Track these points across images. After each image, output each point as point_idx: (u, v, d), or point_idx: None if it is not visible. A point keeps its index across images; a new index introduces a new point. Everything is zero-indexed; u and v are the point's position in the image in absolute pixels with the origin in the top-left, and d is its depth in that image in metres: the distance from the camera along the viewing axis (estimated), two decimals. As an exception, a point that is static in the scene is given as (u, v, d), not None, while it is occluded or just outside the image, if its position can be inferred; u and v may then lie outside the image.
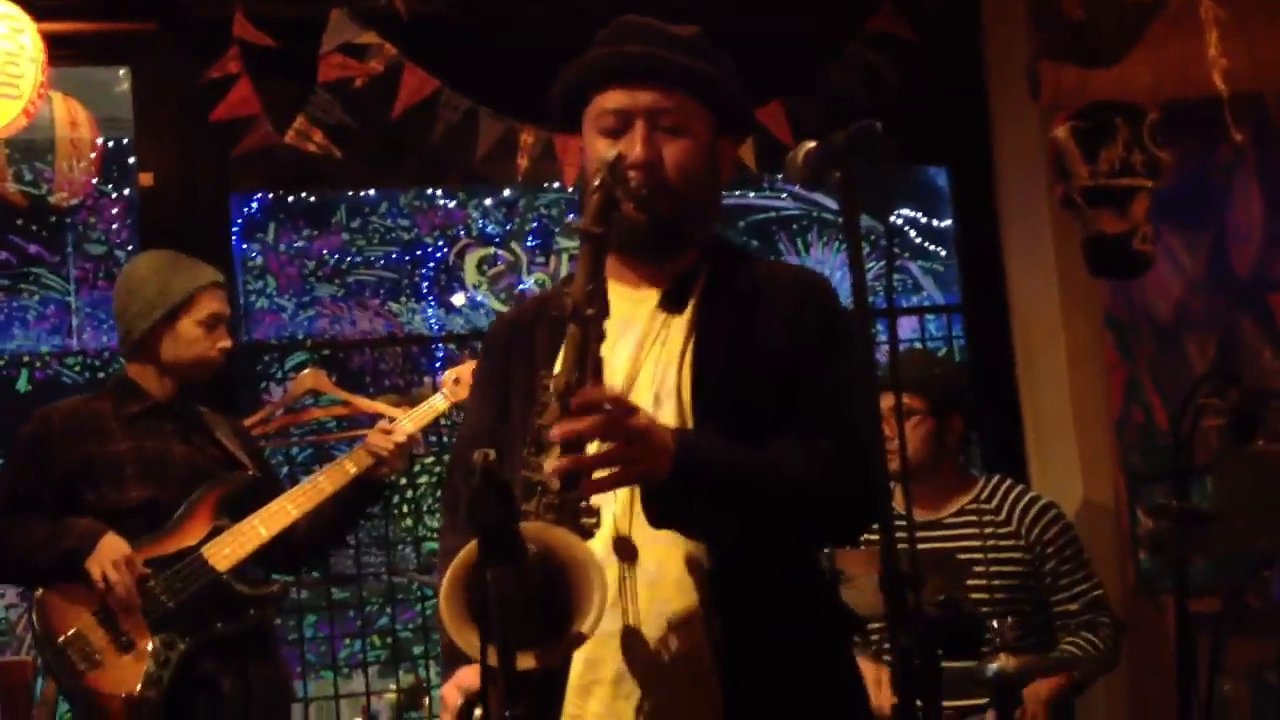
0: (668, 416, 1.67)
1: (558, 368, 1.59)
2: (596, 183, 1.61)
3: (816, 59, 3.87)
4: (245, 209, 5.03)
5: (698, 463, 1.56)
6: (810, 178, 1.55)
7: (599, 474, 1.51)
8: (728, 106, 1.78)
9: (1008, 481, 3.22)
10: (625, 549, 1.64)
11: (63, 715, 3.15)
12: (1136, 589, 3.70)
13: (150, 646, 2.73)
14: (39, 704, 2.97)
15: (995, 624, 2.65)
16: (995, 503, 3.14)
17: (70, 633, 2.72)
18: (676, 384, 1.69)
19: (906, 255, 5.37)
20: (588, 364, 1.55)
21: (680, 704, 1.63)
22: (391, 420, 3.05)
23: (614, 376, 1.66)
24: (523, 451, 1.58)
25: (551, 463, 1.51)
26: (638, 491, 1.60)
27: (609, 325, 1.60)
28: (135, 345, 2.94)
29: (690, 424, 1.67)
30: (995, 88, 4.08)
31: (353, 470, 2.98)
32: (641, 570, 1.64)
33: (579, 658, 1.56)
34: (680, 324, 1.73)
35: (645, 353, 1.72)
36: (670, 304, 1.74)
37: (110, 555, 2.70)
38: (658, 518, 1.58)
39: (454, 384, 3.13)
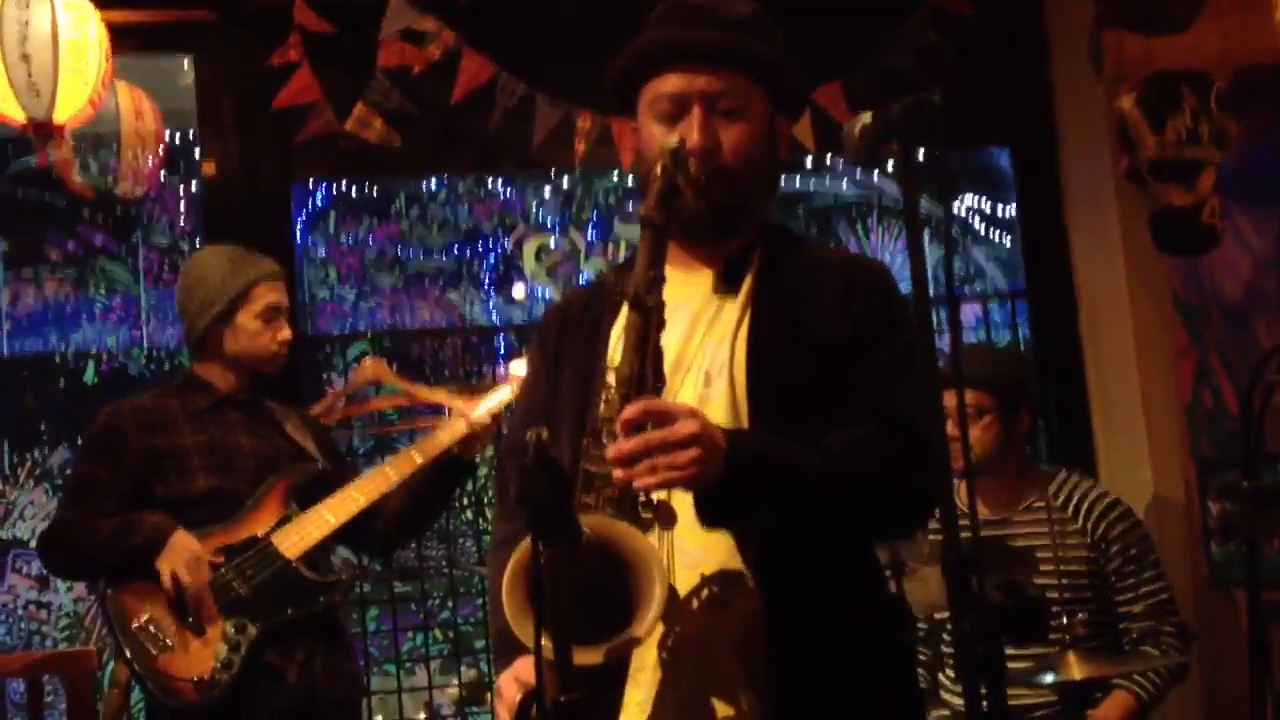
0: (718, 395, 1.67)
1: (618, 358, 1.57)
2: (658, 169, 1.60)
3: (875, 38, 3.82)
4: (306, 199, 5.06)
5: (750, 466, 1.54)
6: (866, 152, 1.52)
7: (650, 479, 1.49)
8: (783, 85, 1.77)
9: (1076, 477, 3.16)
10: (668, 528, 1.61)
11: (136, 701, 3.18)
12: (1208, 581, 3.61)
13: (222, 631, 2.76)
14: (111, 688, 3.00)
15: (1065, 619, 2.61)
16: (1062, 499, 3.09)
17: (143, 618, 2.75)
18: (729, 363, 1.68)
19: (969, 240, 5.29)
20: (648, 353, 1.55)
21: (727, 689, 1.61)
22: (461, 407, 3.05)
23: (665, 355, 1.64)
24: (583, 441, 1.58)
25: (613, 449, 1.50)
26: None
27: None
28: (198, 343, 2.98)
29: (741, 403, 1.66)
30: (1058, 65, 4.02)
31: (419, 459, 2.99)
32: (684, 553, 1.63)
33: None
34: (733, 305, 1.72)
35: (696, 332, 1.71)
36: (723, 285, 1.74)
37: (180, 554, 2.73)
38: (709, 519, 1.57)
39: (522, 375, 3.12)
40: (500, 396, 3.10)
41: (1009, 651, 2.75)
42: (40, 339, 5.28)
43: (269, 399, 3.07)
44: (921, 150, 1.51)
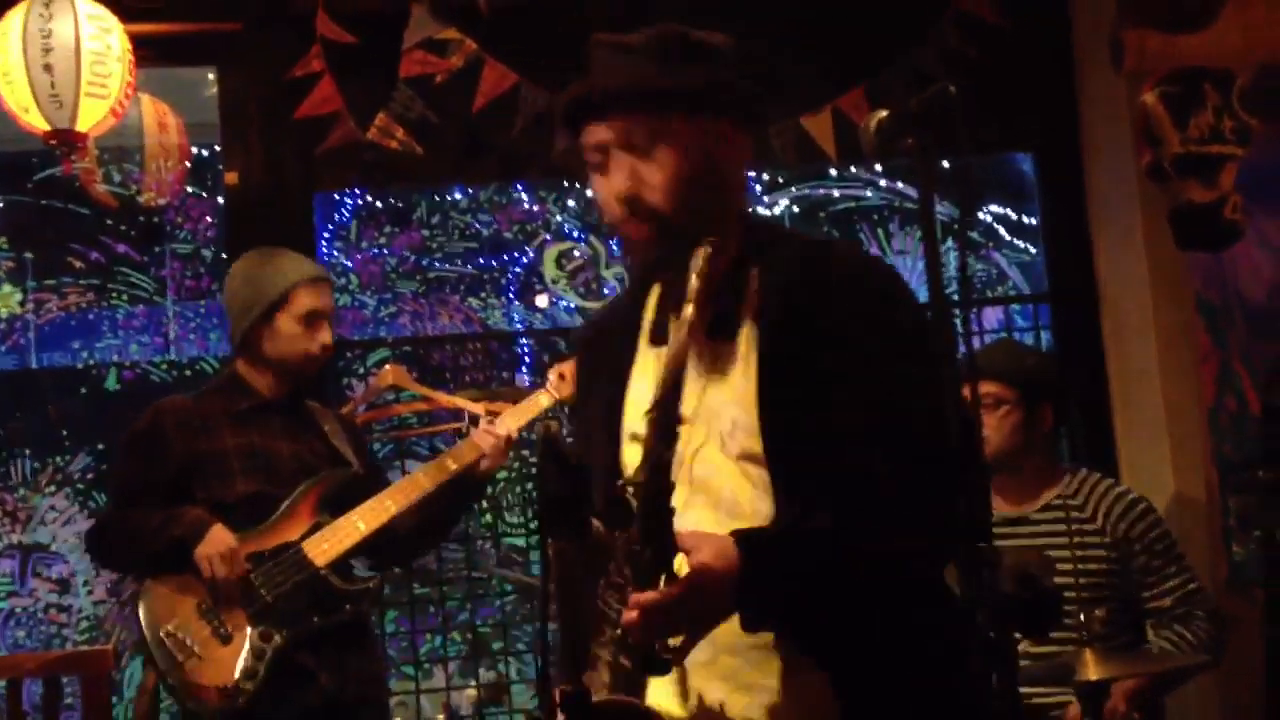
0: (735, 449, 1.64)
1: (628, 540, 1.53)
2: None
3: (900, 44, 3.82)
4: (329, 208, 5.08)
5: (769, 581, 1.53)
6: (883, 147, 1.49)
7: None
8: (707, 100, 1.69)
9: (1095, 475, 3.14)
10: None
11: (166, 708, 3.20)
12: (1229, 583, 3.59)
13: (248, 639, 2.77)
14: (140, 694, 3.01)
15: (1083, 616, 2.59)
16: (1081, 498, 3.06)
17: (172, 624, 2.77)
18: (743, 419, 1.63)
19: (991, 245, 5.28)
20: (659, 540, 1.51)
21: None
22: (491, 417, 3.05)
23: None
24: (600, 586, 1.57)
25: (628, 617, 1.50)
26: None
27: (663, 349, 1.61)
28: (240, 344, 3.00)
29: (763, 468, 1.62)
30: (1082, 71, 4.01)
31: (453, 466, 2.99)
32: (735, 634, 1.61)
33: None
34: (736, 356, 1.67)
35: (700, 381, 1.67)
36: (720, 331, 1.67)
37: (217, 546, 2.75)
38: (746, 629, 1.56)
39: (559, 379, 3.11)
40: (531, 403, 3.10)
41: (1028, 650, 2.77)
42: (63, 347, 5.31)
43: (309, 400, 3.08)
44: (942, 156, 1.49)
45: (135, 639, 2.82)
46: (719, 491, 1.65)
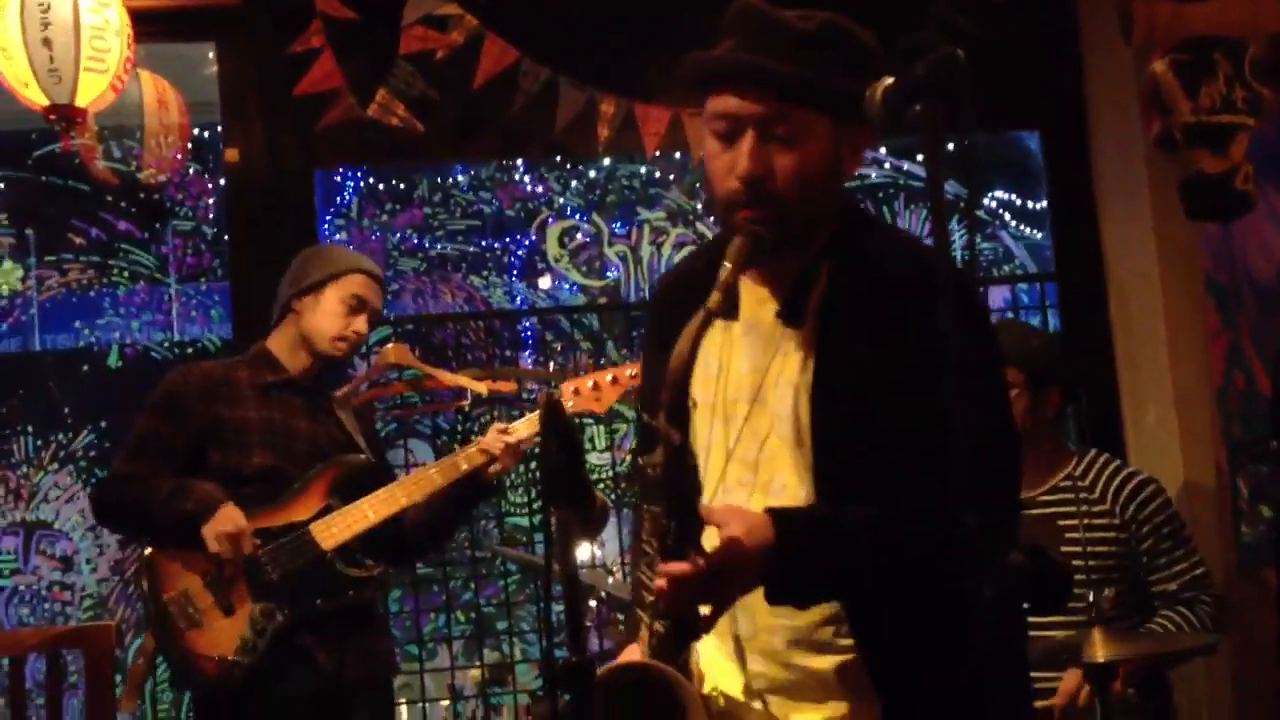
0: (785, 437, 1.67)
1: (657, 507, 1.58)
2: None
3: (905, 20, 3.78)
4: (329, 185, 5.05)
5: (801, 555, 1.57)
6: (889, 116, 1.47)
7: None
8: (846, 104, 1.66)
9: (1104, 456, 3.12)
10: None
11: (161, 680, 3.19)
12: (1239, 566, 3.57)
13: (249, 613, 2.79)
14: (137, 658, 3.02)
15: (1092, 596, 2.58)
16: (1090, 479, 3.04)
17: (176, 591, 2.79)
18: (793, 409, 1.67)
19: (997, 224, 5.25)
20: (685, 518, 1.56)
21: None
22: (504, 426, 3.05)
23: (740, 386, 1.69)
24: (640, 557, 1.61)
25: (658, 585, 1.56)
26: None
27: (734, 324, 1.66)
28: (281, 312, 3.02)
29: (808, 449, 1.66)
30: (1088, 47, 3.97)
31: (465, 466, 3.00)
32: (773, 614, 1.67)
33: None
34: (801, 342, 1.69)
35: (770, 367, 1.71)
36: (791, 316, 1.71)
37: (226, 526, 2.75)
38: (771, 601, 1.60)
39: (574, 395, 3.12)
40: (534, 415, 3.08)
41: (1034, 634, 2.75)
42: (65, 325, 5.30)
43: (330, 389, 3.10)
44: (949, 124, 1.46)
45: (140, 599, 2.80)
46: (766, 474, 1.69)
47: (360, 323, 3.00)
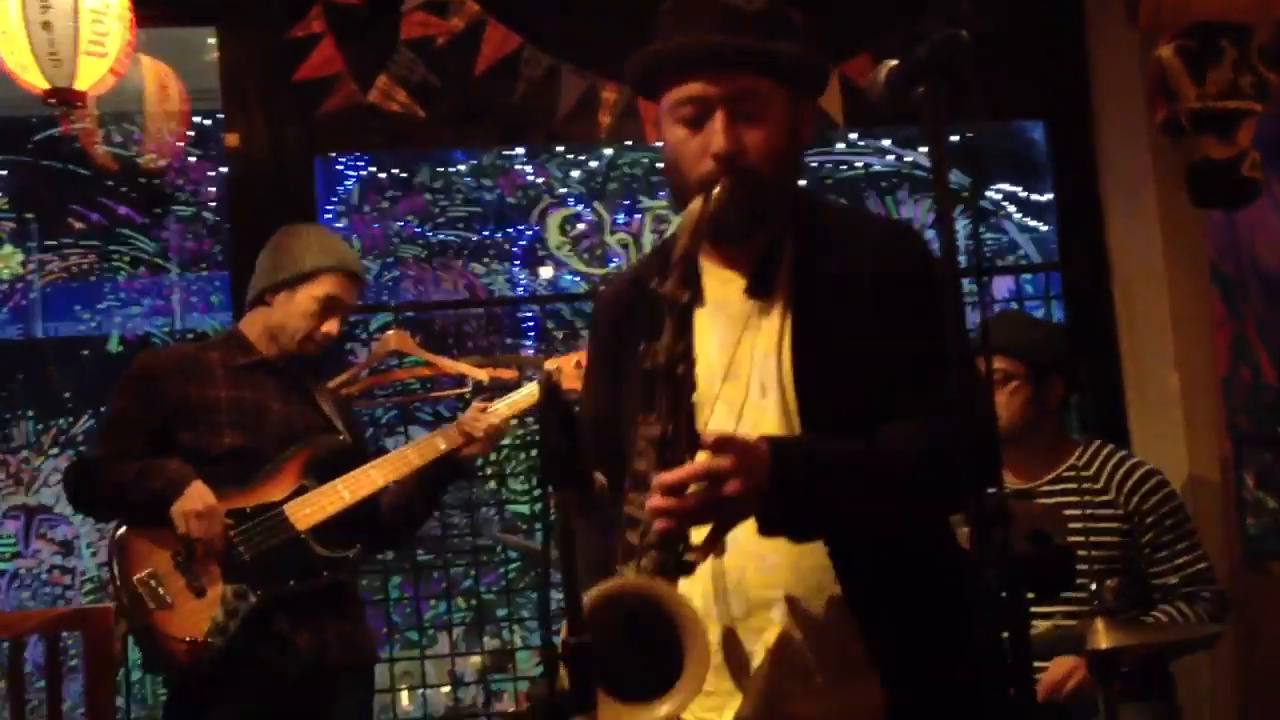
0: (772, 407, 1.68)
1: (652, 416, 1.57)
2: (682, 246, 1.59)
3: (907, 8, 3.75)
4: (330, 171, 5.04)
5: (796, 478, 1.55)
6: (892, 97, 1.46)
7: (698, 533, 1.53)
8: (804, 75, 1.76)
9: (1108, 447, 3.11)
10: None
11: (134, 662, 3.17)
12: (1245, 557, 3.56)
13: (221, 595, 2.75)
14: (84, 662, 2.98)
15: (1095, 586, 2.57)
16: (1094, 469, 3.03)
17: (145, 572, 2.75)
18: (777, 375, 1.69)
19: (1001, 213, 5.22)
20: (680, 419, 1.55)
21: (813, 674, 1.64)
22: (484, 405, 3.03)
23: (711, 362, 1.69)
24: (625, 484, 1.58)
25: (651, 502, 1.52)
26: None
27: (700, 310, 1.64)
28: (254, 299, 2.99)
29: (794, 415, 1.67)
30: (1093, 36, 3.95)
31: (443, 446, 2.98)
32: (758, 557, 1.66)
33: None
34: (773, 311, 1.72)
35: (742, 340, 1.72)
36: (759, 287, 1.73)
37: (195, 504, 2.72)
38: (763, 530, 1.58)
39: (556, 374, 3.09)
40: (524, 395, 3.08)
41: (1043, 623, 2.74)
42: (65, 311, 5.29)
43: (305, 370, 3.06)
44: (953, 107, 1.45)
45: (113, 589, 2.78)
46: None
47: (332, 324, 2.96)
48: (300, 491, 2.87)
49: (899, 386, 1.66)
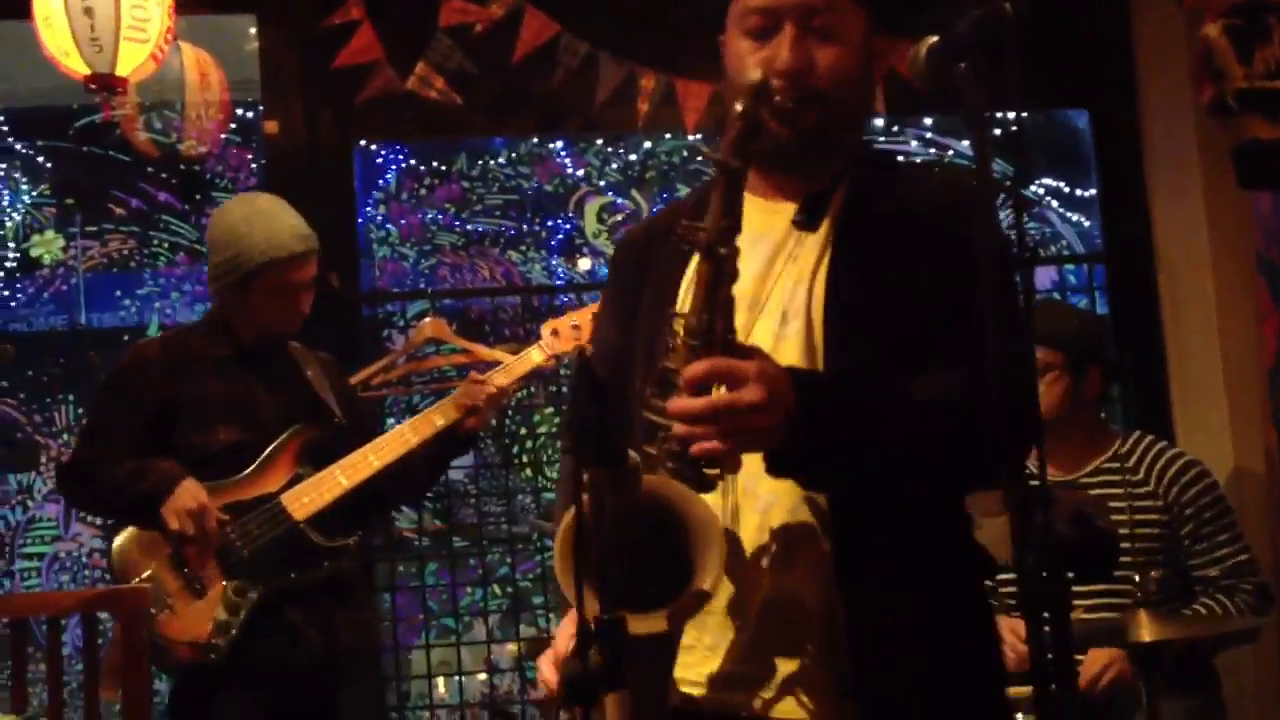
0: (794, 336, 1.58)
1: (686, 305, 1.50)
2: (740, 108, 1.49)
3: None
4: (368, 158, 5.05)
5: (819, 419, 1.45)
6: (933, 76, 1.41)
7: (710, 445, 1.42)
8: (883, 3, 1.65)
9: (1149, 438, 3.07)
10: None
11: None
12: (1288, 551, 3.51)
13: (222, 593, 2.71)
14: (111, 646, 2.99)
15: (1138, 577, 2.53)
16: (1135, 460, 3.00)
17: (144, 575, 2.71)
18: (806, 303, 1.58)
19: (1044, 203, 5.16)
20: (718, 305, 1.46)
21: (794, 636, 1.55)
22: (481, 377, 2.99)
23: (741, 291, 1.53)
24: (645, 389, 1.50)
25: (676, 404, 1.43)
26: None
27: (740, 238, 1.50)
28: (218, 293, 2.91)
29: (818, 346, 1.56)
30: (1138, 25, 3.90)
31: (440, 422, 2.92)
32: (752, 496, 1.56)
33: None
34: (814, 241, 1.61)
35: (775, 268, 1.62)
36: (806, 219, 1.62)
37: (186, 503, 2.66)
38: (775, 470, 1.50)
39: (551, 336, 3.06)
40: (522, 360, 3.04)
41: (1079, 616, 2.71)
42: (107, 297, 5.33)
43: (293, 342, 2.98)
44: (994, 84, 1.41)
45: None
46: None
47: (298, 305, 2.86)
48: (296, 480, 2.81)
49: (935, 338, 1.54)
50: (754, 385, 1.41)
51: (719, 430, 1.41)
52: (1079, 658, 2.75)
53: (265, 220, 2.85)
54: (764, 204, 1.65)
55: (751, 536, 1.57)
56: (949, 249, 1.56)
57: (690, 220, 1.50)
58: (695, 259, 1.52)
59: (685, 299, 1.58)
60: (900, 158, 1.91)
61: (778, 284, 1.61)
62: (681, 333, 1.47)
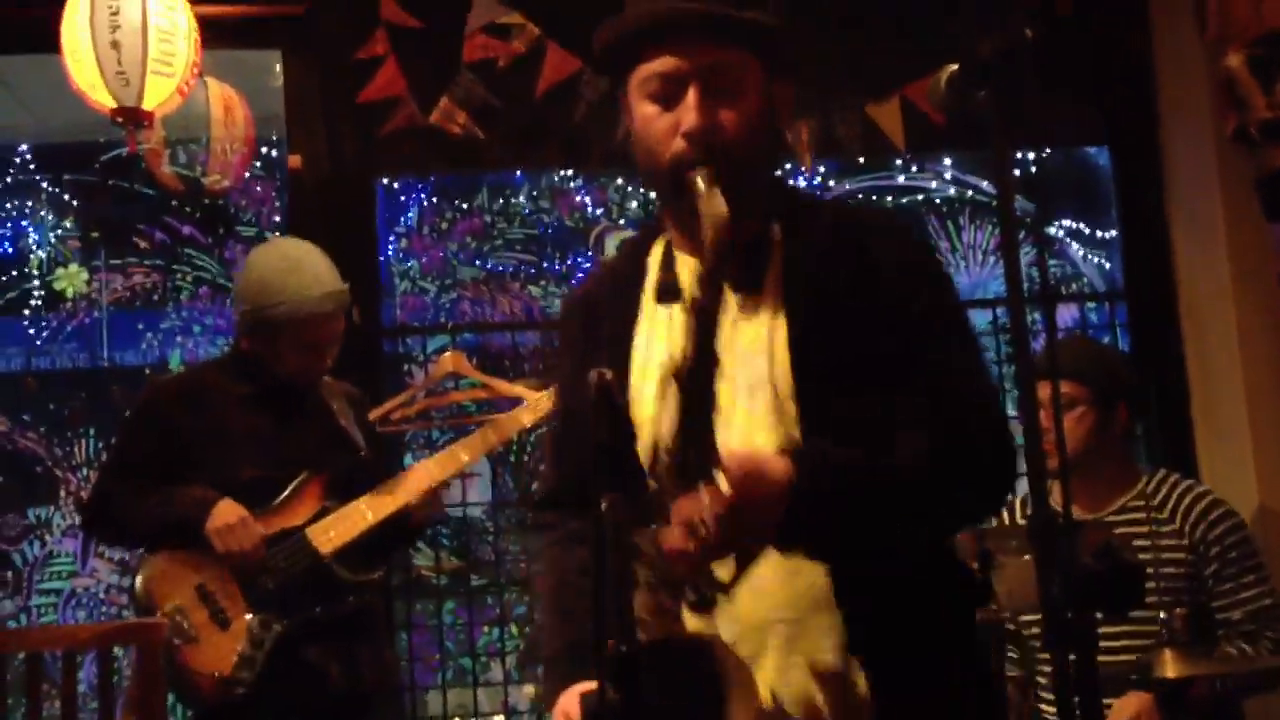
0: (763, 408, 1.58)
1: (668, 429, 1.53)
2: (708, 244, 1.51)
3: (971, 34, 3.73)
4: (390, 191, 5.08)
5: (816, 501, 1.48)
6: (954, 101, 1.42)
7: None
8: (779, 51, 1.67)
9: (1175, 476, 3.04)
10: None
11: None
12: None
13: (246, 626, 2.70)
14: (134, 676, 2.97)
15: (1163, 614, 2.50)
16: (1160, 499, 2.96)
17: (169, 606, 2.70)
18: (769, 372, 1.58)
19: (1065, 240, 5.15)
20: (696, 434, 1.50)
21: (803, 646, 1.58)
22: (502, 409, 3.01)
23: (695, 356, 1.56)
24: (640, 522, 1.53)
25: (668, 539, 1.46)
26: None
27: (678, 306, 1.57)
28: (244, 336, 2.92)
29: (790, 415, 1.57)
30: (1160, 63, 3.90)
31: (465, 457, 2.94)
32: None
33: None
34: (761, 308, 1.62)
35: (722, 335, 1.58)
36: (747, 281, 1.62)
37: (228, 518, 2.68)
38: (780, 548, 1.53)
39: (536, 404, 3.07)
40: (510, 424, 3.04)
41: (1104, 658, 2.67)
42: (129, 332, 5.35)
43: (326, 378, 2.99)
44: (1014, 113, 1.41)
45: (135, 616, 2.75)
46: (746, 438, 1.59)
47: (321, 360, 2.88)
48: (322, 514, 2.82)
49: (897, 396, 1.56)
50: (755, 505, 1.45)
51: (716, 554, 1.46)
52: (1106, 701, 2.71)
53: (298, 274, 2.83)
54: (697, 264, 1.63)
55: (756, 603, 1.58)
56: (897, 297, 1.60)
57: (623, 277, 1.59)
58: (647, 308, 1.61)
59: (642, 345, 1.64)
60: (826, 198, 1.93)
61: (731, 352, 1.60)
62: (664, 459, 1.52)
